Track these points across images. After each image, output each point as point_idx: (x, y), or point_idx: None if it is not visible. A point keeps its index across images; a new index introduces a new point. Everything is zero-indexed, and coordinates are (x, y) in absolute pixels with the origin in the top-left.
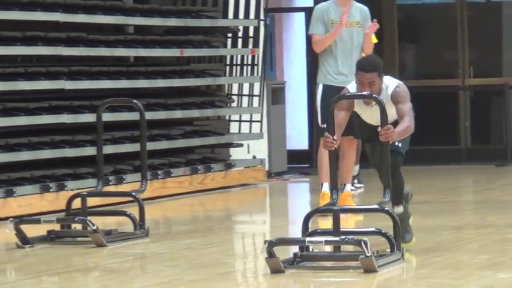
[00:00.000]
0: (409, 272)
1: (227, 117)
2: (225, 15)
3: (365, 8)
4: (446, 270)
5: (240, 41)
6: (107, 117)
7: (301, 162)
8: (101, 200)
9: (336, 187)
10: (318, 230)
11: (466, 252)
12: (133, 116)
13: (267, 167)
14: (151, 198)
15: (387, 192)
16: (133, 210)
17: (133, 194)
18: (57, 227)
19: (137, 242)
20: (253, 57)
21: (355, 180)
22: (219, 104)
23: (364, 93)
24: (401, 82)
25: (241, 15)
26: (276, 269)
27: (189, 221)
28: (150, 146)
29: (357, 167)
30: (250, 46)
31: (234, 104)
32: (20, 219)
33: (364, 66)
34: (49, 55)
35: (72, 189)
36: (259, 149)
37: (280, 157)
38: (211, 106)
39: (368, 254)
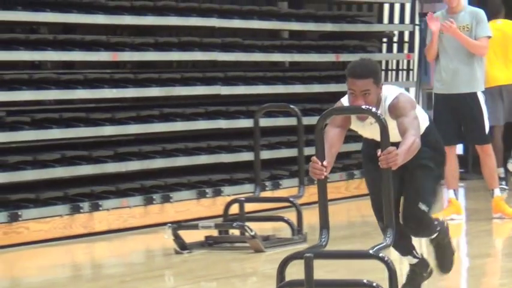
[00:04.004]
0: None
1: None
2: (380, 20)
3: (477, 11)
4: None
5: (395, 45)
6: (264, 122)
7: None
8: (256, 205)
9: (326, 226)
10: (293, 281)
11: None
12: (289, 121)
13: None
14: (307, 204)
15: (389, 234)
16: (289, 215)
17: (291, 199)
18: (214, 232)
19: (295, 247)
20: (408, 62)
21: (503, 182)
22: None
23: (362, 106)
24: (403, 92)
25: (396, 20)
26: None
27: (346, 226)
28: (307, 151)
29: (501, 169)
30: (406, 51)
31: None
32: (177, 225)
33: (354, 72)
34: (205, 60)
35: (228, 195)
36: None
37: None
38: None
39: None
